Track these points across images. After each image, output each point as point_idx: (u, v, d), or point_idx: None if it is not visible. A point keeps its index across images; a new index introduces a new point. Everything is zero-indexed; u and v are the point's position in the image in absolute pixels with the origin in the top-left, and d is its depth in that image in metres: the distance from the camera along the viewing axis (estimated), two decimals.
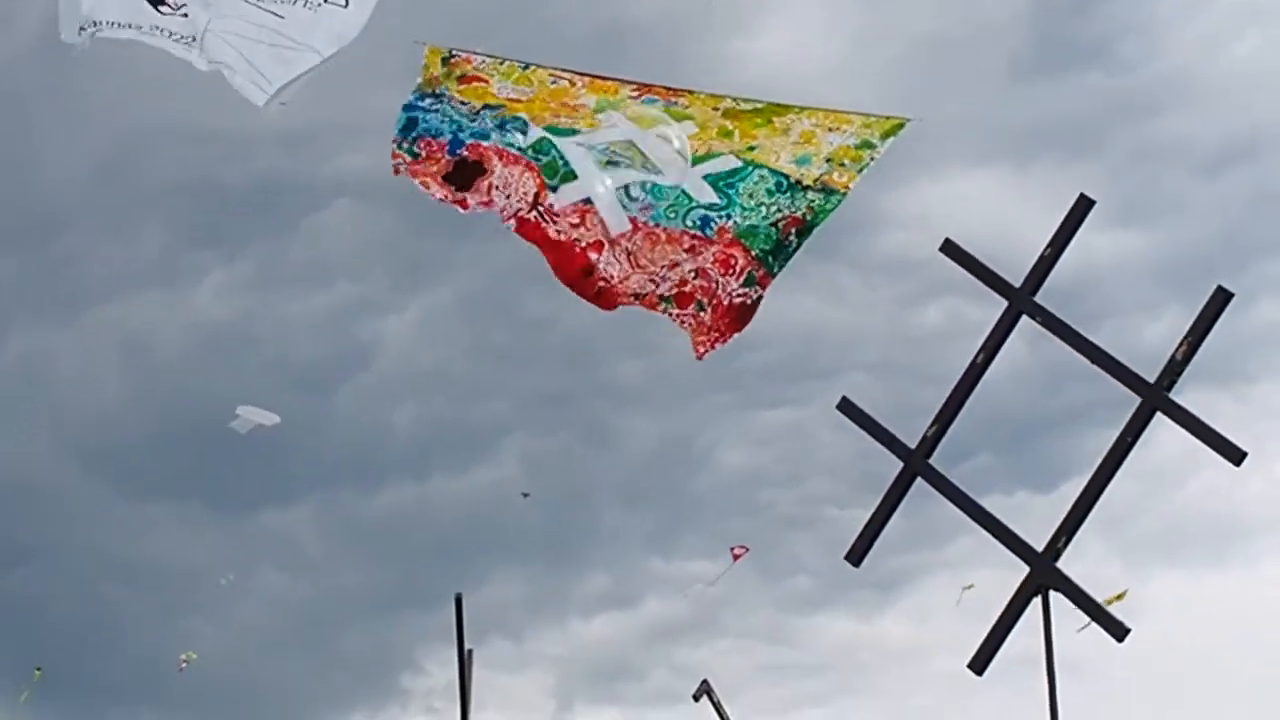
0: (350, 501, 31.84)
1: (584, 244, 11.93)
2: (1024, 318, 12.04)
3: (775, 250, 11.79)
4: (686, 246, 11.89)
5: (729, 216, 11.89)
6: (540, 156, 12.03)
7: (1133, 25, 34.12)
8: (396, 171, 12.04)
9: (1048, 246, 12.01)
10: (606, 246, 11.92)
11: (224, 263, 33.27)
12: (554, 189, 11.97)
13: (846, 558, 12.33)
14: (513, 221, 11.94)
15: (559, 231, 11.92)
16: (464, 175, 12.04)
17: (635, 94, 12.35)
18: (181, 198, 33.29)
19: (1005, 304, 12.13)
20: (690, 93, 12.34)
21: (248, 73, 12.07)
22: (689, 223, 11.93)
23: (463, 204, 11.97)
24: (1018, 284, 12.11)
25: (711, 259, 11.81)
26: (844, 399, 12.34)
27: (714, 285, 11.78)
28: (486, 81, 12.36)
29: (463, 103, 12.23)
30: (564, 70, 12.48)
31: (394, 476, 31.82)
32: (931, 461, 12.17)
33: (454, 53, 12.45)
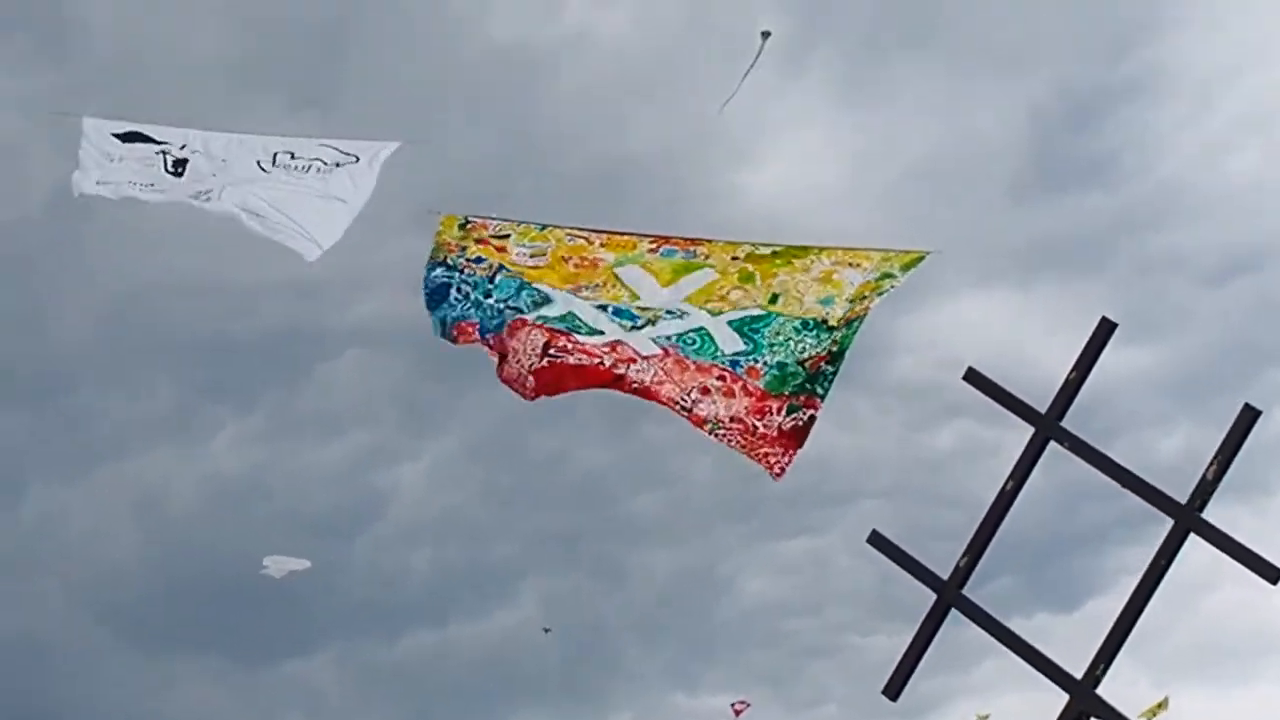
0: (371, 648, 31.76)
1: (612, 361, 11.97)
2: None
3: (811, 379, 11.85)
4: (717, 376, 11.92)
5: (758, 359, 11.93)
6: (564, 322, 12.12)
7: (1131, 139, 34.56)
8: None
9: (1072, 370, 11.96)
10: (639, 360, 11.96)
11: (236, 416, 33.41)
12: (580, 333, 12.07)
13: (884, 692, 12.21)
14: (531, 380, 12.03)
15: (579, 360, 11.97)
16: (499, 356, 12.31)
17: (653, 246, 12.44)
18: (191, 352, 33.53)
19: (1026, 428, 12.08)
20: (708, 241, 12.43)
21: (286, 225, 12.24)
22: (717, 361, 11.98)
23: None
24: (1040, 408, 12.08)
25: (745, 409, 11.85)
26: (874, 533, 12.24)
27: (753, 426, 11.79)
28: (505, 245, 12.48)
29: (478, 260, 12.36)
30: (580, 229, 12.59)
31: (413, 622, 31.74)
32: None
33: (469, 219, 12.60)
